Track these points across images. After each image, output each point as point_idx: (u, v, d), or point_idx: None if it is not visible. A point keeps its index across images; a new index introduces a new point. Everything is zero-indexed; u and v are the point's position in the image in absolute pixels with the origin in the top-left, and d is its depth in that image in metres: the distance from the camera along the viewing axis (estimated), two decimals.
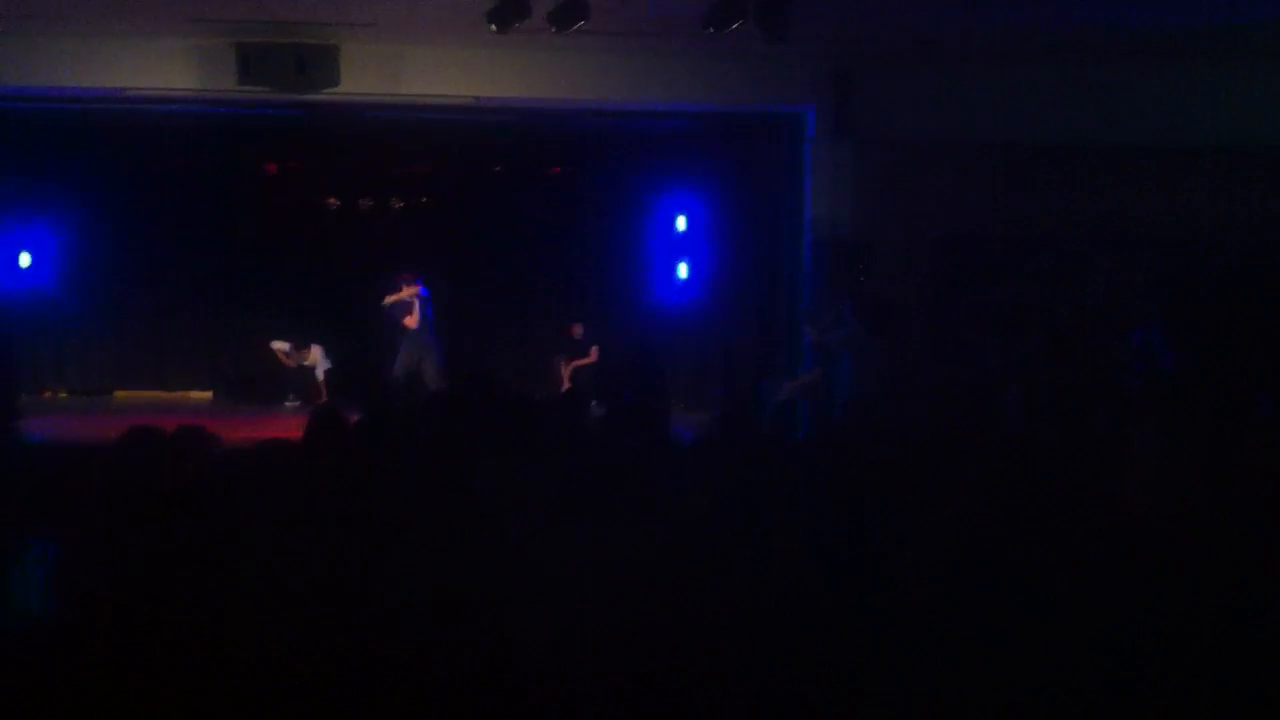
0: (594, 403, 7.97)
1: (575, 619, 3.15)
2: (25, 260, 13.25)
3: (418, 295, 12.95)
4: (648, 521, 3.80)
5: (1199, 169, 11.59)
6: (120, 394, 14.52)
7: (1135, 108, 11.44)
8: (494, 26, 8.99)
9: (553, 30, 8.99)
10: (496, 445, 4.89)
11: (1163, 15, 9.96)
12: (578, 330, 13.87)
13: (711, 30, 9.09)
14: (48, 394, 14.21)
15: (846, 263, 11.26)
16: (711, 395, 12.81)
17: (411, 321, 12.90)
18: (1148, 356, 7.81)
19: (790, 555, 3.62)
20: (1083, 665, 3.12)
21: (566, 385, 13.34)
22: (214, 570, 3.30)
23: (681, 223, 13.83)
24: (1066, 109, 11.47)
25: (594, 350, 13.72)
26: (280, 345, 13.73)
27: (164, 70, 11.13)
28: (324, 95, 11.18)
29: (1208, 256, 10.84)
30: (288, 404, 13.66)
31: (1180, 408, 4.95)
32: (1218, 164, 11.59)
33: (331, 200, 14.74)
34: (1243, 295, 9.34)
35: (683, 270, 13.80)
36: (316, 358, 13.68)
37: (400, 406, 6.53)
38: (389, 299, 13.05)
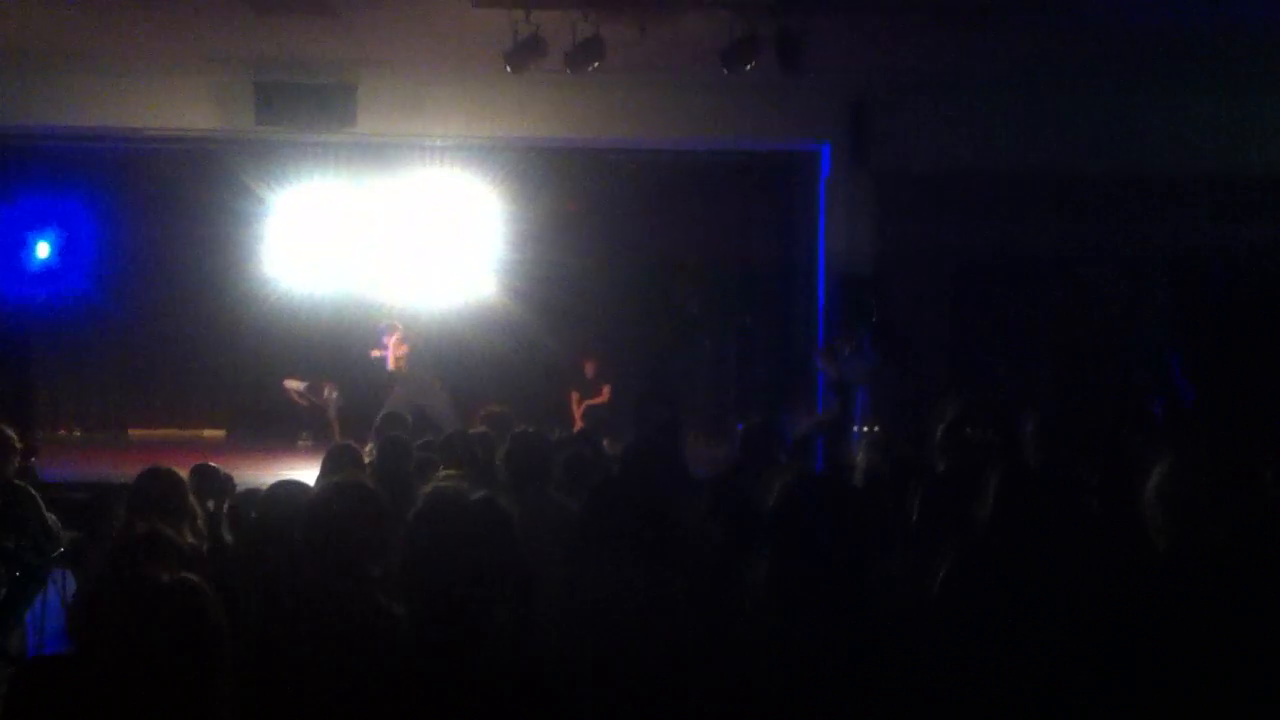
0: (606, 441, 7.97)
1: (591, 653, 3.14)
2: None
3: (396, 344, 12.88)
4: (664, 556, 3.78)
5: (1214, 196, 11.59)
6: (134, 431, 14.55)
7: (1151, 136, 11.45)
8: (510, 67, 9.05)
9: (568, 71, 9.05)
10: (516, 481, 4.89)
11: (1181, 46, 9.99)
12: (590, 367, 13.85)
13: (726, 70, 9.14)
14: (63, 431, 14.25)
15: (864, 296, 11.25)
16: (731, 429, 12.78)
17: (392, 365, 12.87)
18: (1167, 389, 7.77)
19: (805, 589, 3.59)
20: (1100, 701, 3.09)
21: (579, 424, 13.32)
22: (229, 608, 3.29)
23: (695, 260, 13.85)
24: (1084, 136, 11.49)
25: (606, 389, 13.68)
26: (294, 384, 13.75)
27: (184, 108, 11.25)
28: (341, 134, 11.27)
29: (1225, 283, 10.83)
30: (301, 442, 13.67)
31: (1200, 442, 4.90)
32: (1234, 192, 11.59)
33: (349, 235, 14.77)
34: (1260, 322, 9.31)
35: (695, 306, 13.80)
36: (331, 396, 13.70)
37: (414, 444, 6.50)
38: (373, 353, 13.01)
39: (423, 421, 12.01)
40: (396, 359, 12.87)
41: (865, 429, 10.47)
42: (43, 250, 13.38)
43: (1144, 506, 4.53)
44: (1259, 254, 11.48)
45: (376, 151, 12.54)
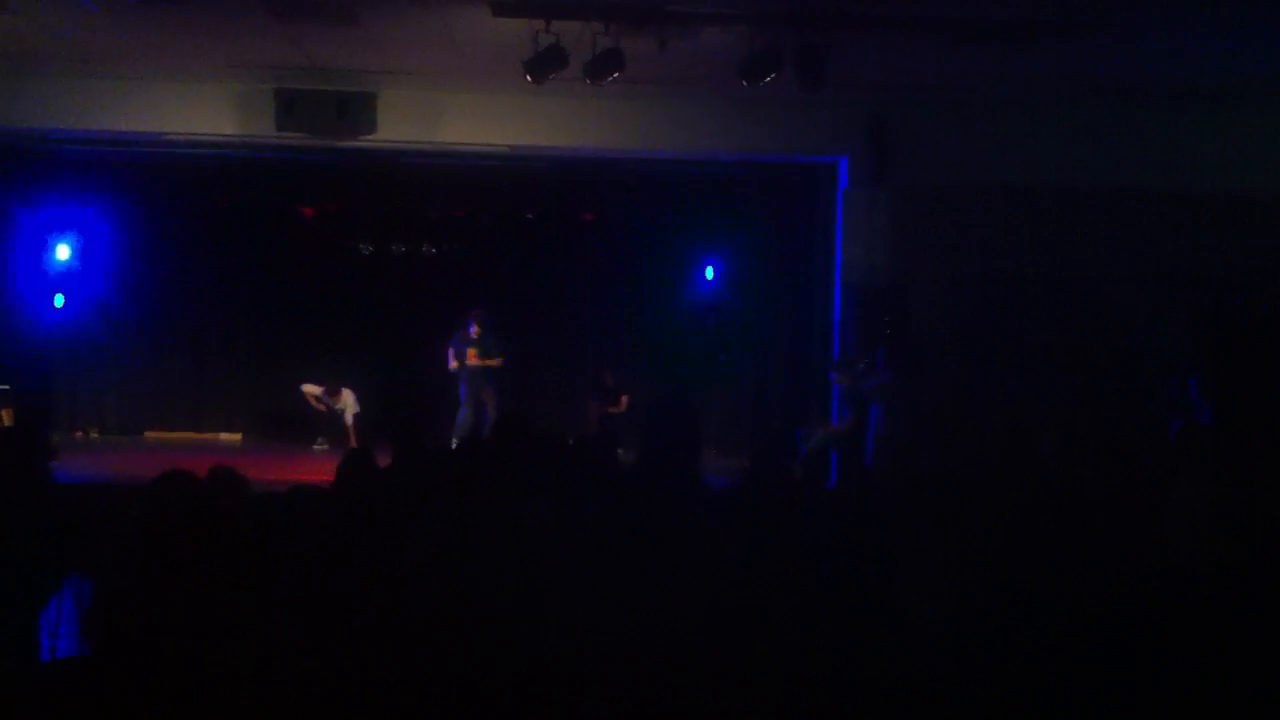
0: (620, 450, 7.97)
1: (606, 662, 3.14)
2: (60, 301, 13.41)
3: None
4: (679, 566, 3.78)
5: (1235, 214, 11.54)
6: (151, 434, 14.62)
7: (1171, 152, 11.42)
8: (530, 77, 9.07)
9: (587, 81, 9.07)
10: (530, 488, 4.89)
11: (1198, 65, 9.98)
12: (609, 377, 13.87)
13: (746, 82, 9.15)
14: (80, 433, 14.33)
15: (879, 310, 11.24)
16: (745, 440, 12.78)
17: (469, 358, 12.94)
18: (1184, 408, 7.71)
19: (821, 602, 3.60)
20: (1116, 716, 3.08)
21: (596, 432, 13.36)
22: (244, 613, 3.30)
23: (711, 271, 13.86)
24: (1102, 153, 11.48)
25: (624, 399, 13.70)
26: (311, 388, 13.79)
27: (204, 114, 11.30)
28: (361, 141, 11.31)
29: (1247, 304, 10.77)
30: (316, 447, 13.71)
31: (1218, 461, 4.89)
32: (1254, 209, 11.54)
33: (363, 245, 14.89)
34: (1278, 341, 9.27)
35: (712, 317, 13.81)
36: (347, 401, 13.73)
37: (433, 449, 6.52)
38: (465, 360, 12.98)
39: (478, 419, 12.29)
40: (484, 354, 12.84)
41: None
42: (63, 253, 13.46)
43: (1164, 521, 4.53)
44: (1277, 272, 11.42)
45: (396, 159, 12.56)
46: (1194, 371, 7.85)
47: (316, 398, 13.79)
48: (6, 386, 12.14)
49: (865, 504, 5.36)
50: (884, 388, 9.24)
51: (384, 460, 6.30)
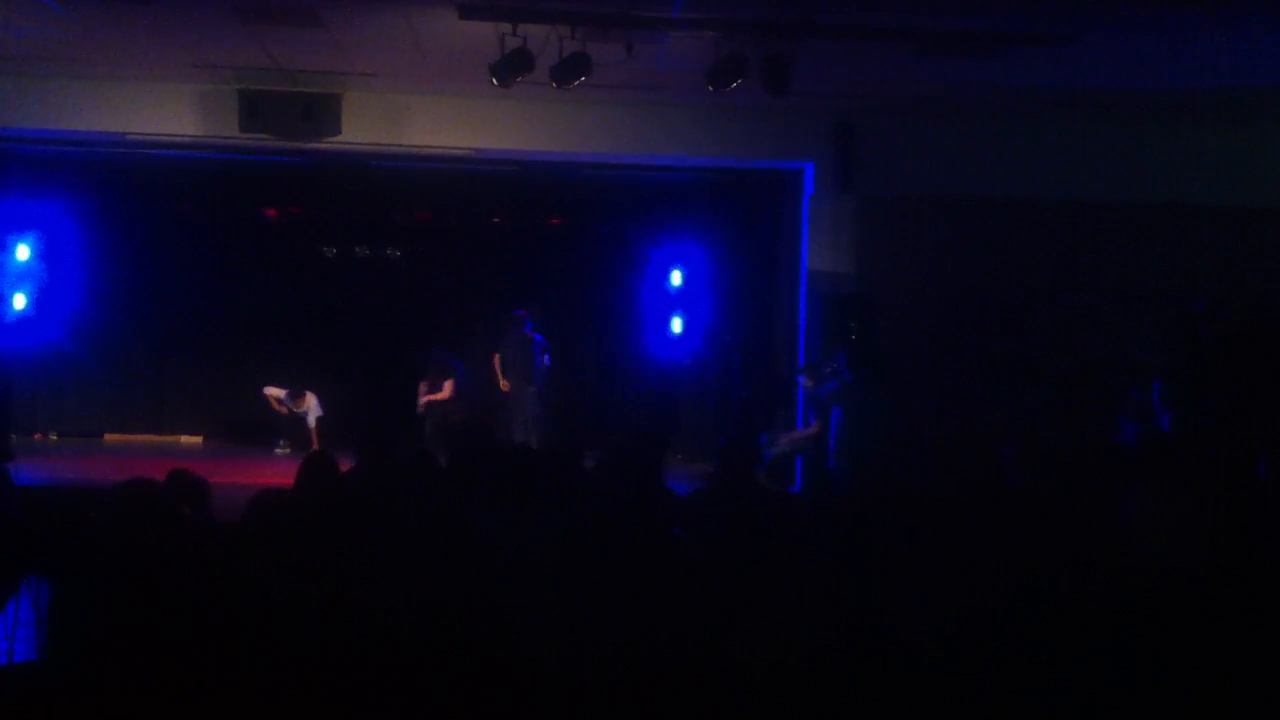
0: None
1: (572, 670, 3.14)
2: (21, 302, 13.26)
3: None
4: (644, 573, 3.79)
5: (1201, 227, 11.66)
6: (111, 436, 14.49)
7: (1139, 165, 11.55)
8: (496, 80, 9.06)
9: (554, 85, 9.07)
10: (493, 495, 4.88)
11: (1165, 78, 10.07)
12: (439, 356, 13.47)
13: (712, 88, 9.17)
14: (39, 436, 14.18)
15: (844, 316, 11.30)
16: (711, 446, 12.79)
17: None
18: (1145, 415, 7.81)
19: (786, 608, 3.60)
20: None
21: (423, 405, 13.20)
22: (204, 616, 3.28)
23: (677, 276, 13.87)
24: (1069, 165, 11.59)
25: (448, 385, 13.29)
26: (274, 391, 13.70)
27: (168, 115, 11.22)
28: (326, 144, 11.25)
29: (1209, 314, 10.91)
30: (278, 450, 13.63)
31: (1177, 468, 4.94)
32: (1220, 222, 11.67)
33: (327, 248, 14.83)
34: (1243, 354, 9.39)
35: (678, 323, 13.81)
36: (310, 404, 13.65)
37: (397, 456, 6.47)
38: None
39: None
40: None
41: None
42: (23, 253, 13.31)
43: (1123, 527, 4.56)
44: (1248, 286, 11.53)
45: (361, 161, 12.50)
46: (1156, 378, 7.95)
47: (279, 400, 13.70)
48: None
49: (828, 508, 5.37)
50: (842, 390, 9.30)
51: (346, 464, 6.27)
